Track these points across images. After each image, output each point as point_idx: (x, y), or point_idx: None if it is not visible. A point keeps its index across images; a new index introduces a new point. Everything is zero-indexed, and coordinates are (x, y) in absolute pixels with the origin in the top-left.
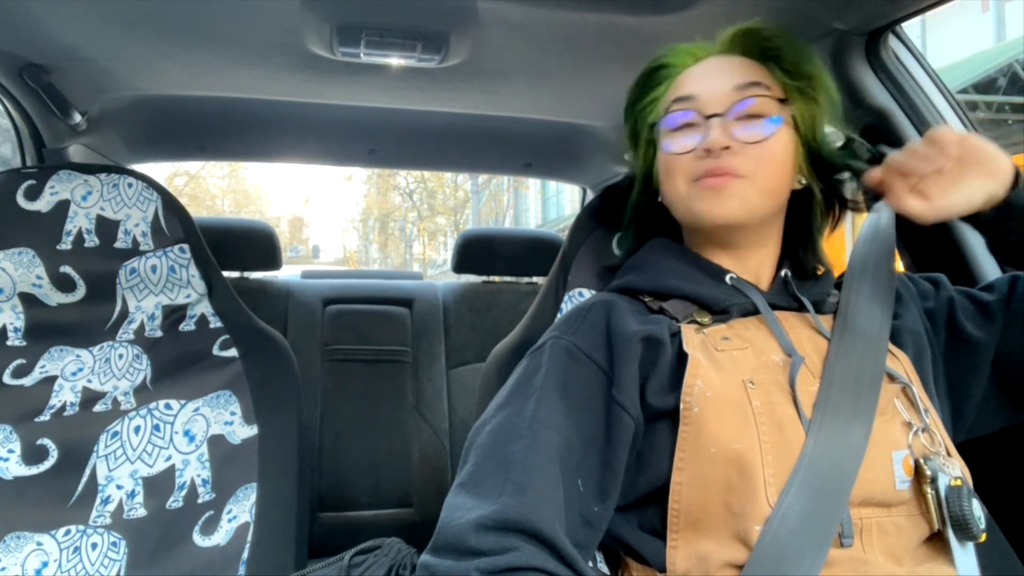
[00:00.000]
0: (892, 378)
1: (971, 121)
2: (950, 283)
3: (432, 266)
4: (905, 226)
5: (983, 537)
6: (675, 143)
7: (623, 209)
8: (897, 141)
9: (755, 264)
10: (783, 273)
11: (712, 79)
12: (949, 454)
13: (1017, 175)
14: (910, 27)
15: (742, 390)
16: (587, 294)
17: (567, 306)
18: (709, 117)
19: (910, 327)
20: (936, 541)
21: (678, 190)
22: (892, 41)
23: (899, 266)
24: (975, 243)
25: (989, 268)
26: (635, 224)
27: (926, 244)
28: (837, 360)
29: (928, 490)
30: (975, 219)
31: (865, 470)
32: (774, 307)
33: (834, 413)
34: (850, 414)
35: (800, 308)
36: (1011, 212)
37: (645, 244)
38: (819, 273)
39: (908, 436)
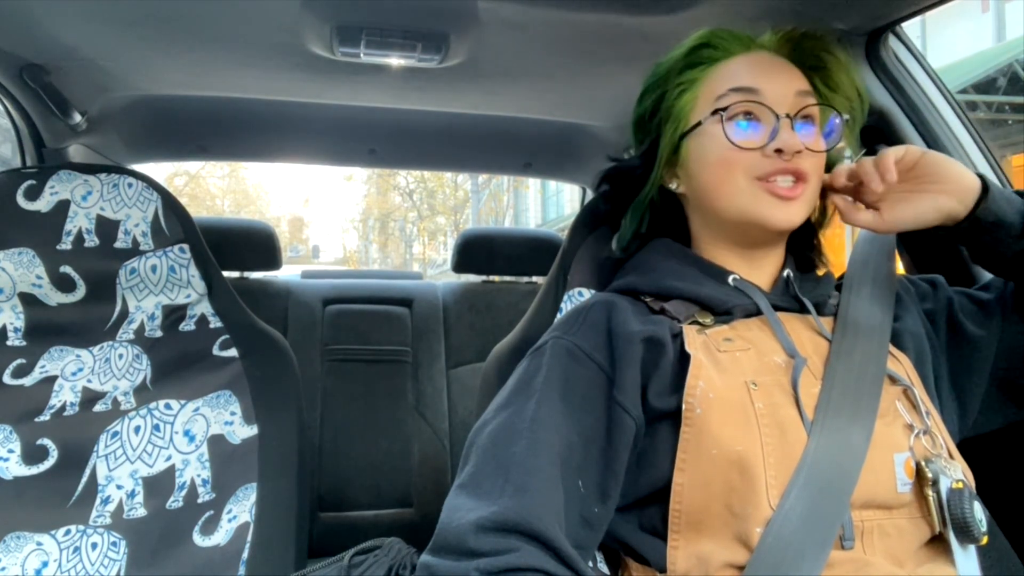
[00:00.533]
0: (893, 380)
1: (971, 121)
2: (948, 284)
3: (432, 266)
4: None
5: (984, 540)
6: (739, 135)
7: (623, 205)
8: (897, 141)
9: (762, 265)
10: (785, 273)
11: (774, 77)
12: (951, 456)
13: (985, 192)
14: (911, 28)
15: (744, 391)
16: (587, 294)
17: (567, 306)
18: (780, 117)
19: (911, 329)
20: (937, 543)
21: (736, 184)
22: (892, 41)
23: (899, 267)
24: None
25: (990, 273)
26: (638, 218)
27: (925, 245)
28: (838, 361)
29: (929, 492)
30: (950, 232)
31: (867, 472)
32: (776, 308)
33: (836, 414)
34: (851, 415)
35: (802, 309)
36: (981, 227)
37: (646, 245)
38: (820, 273)
39: (909, 438)
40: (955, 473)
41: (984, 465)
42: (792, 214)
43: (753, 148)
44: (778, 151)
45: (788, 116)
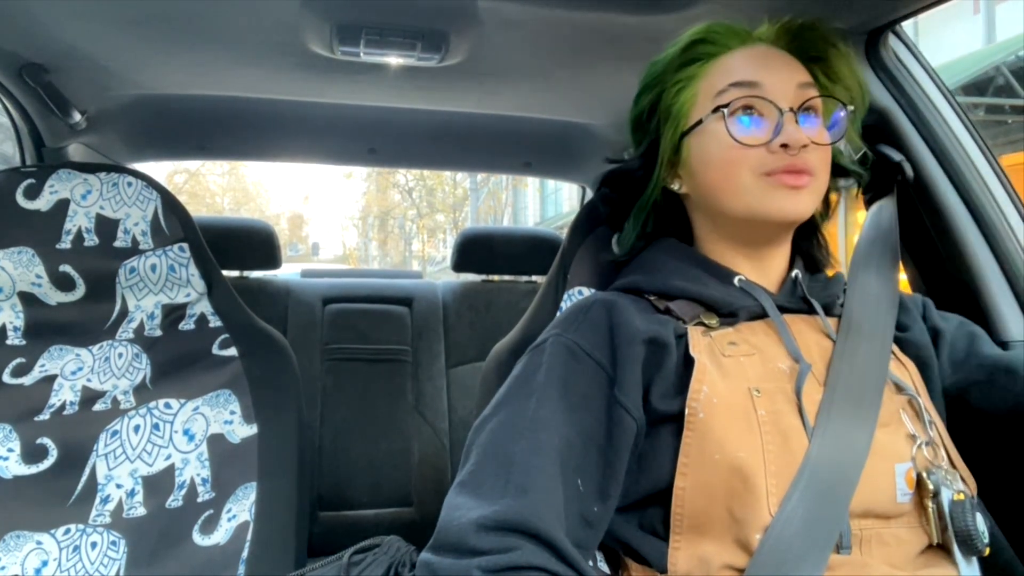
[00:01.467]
0: (900, 388)
1: (971, 121)
2: (966, 324)
3: (432, 263)
4: (906, 228)
5: (987, 551)
6: (742, 132)
7: (624, 207)
8: (897, 141)
9: (769, 264)
10: (794, 274)
11: (774, 70)
12: (954, 466)
13: None
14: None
15: (747, 398)
16: (587, 292)
17: (566, 305)
18: (784, 111)
19: (917, 339)
20: (935, 550)
21: (741, 182)
22: (892, 40)
23: (903, 281)
24: (978, 248)
25: (991, 273)
26: (642, 220)
27: (928, 246)
28: (841, 362)
29: (929, 504)
30: None
31: (867, 482)
32: (783, 310)
33: (837, 418)
34: (853, 419)
35: (810, 310)
36: None
37: (651, 245)
38: (830, 275)
39: (912, 449)
40: (957, 484)
41: (988, 471)
42: (801, 204)
43: (757, 144)
44: (783, 146)
45: (791, 109)
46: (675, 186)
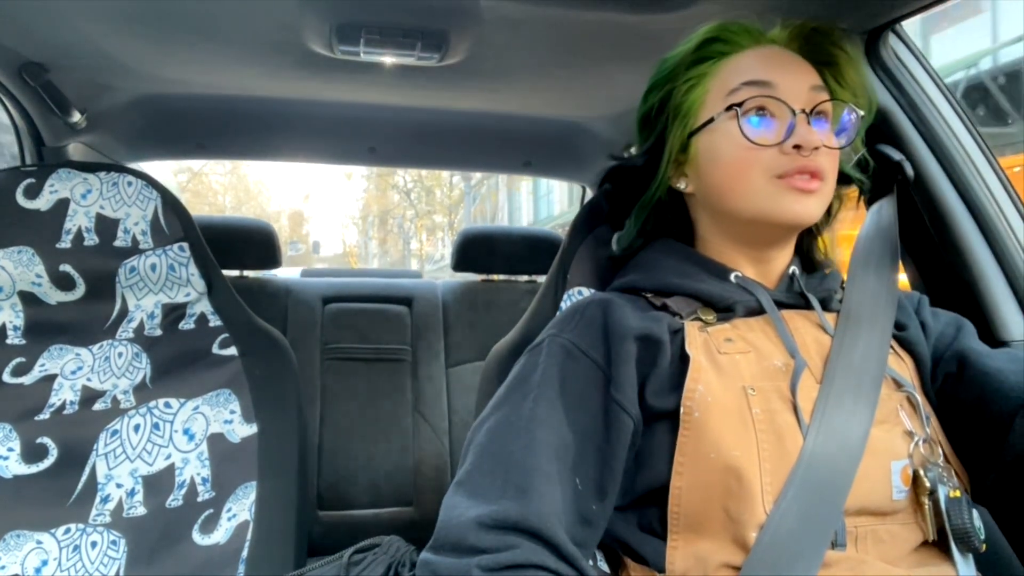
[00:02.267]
0: (899, 385)
1: (972, 121)
2: (966, 330)
3: (430, 261)
4: (906, 227)
5: (983, 548)
6: (754, 132)
7: (624, 207)
8: (897, 141)
9: (772, 267)
10: (791, 270)
11: (787, 71)
12: (948, 462)
13: None
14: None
15: (742, 397)
16: (586, 292)
17: (566, 305)
18: (796, 112)
19: (915, 337)
20: (932, 546)
21: (752, 184)
22: (892, 40)
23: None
24: (978, 248)
25: (991, 273)
26: (643, 218)
27: (928, 245)
28: (839, 356)
29: (925, 501)
30: None
31: (862, 480)
32: (781, 305)
33: (833, 413)
34: (849, 413)
35: (807, 306)
36: None
37: (649, 245)
38: (827, 272)
39: (909, 446)
40: (952, 481)
41: (978, 466)
42: (811, 207)
43: (769, 145)
44: (796, 147)
45: (804, 111)
46: (680, 185)
